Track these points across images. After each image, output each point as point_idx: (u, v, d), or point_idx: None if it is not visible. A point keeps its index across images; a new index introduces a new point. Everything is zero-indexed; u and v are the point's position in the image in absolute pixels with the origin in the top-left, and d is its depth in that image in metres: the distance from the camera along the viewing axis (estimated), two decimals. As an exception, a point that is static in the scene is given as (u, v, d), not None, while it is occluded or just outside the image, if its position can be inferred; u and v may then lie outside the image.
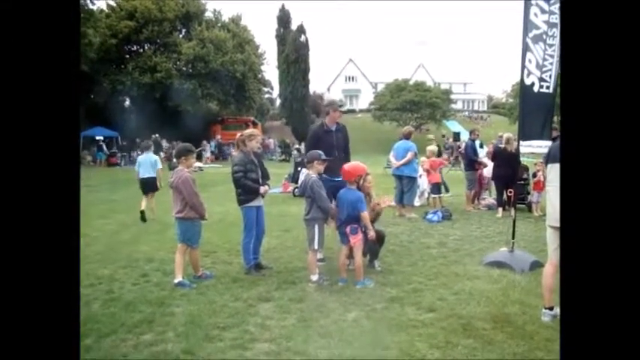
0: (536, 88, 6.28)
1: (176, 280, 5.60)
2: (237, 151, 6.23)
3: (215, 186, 16.97)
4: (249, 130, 6.42)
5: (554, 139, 5.90)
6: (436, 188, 11.20)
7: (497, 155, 10.97)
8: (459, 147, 25.80)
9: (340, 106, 6.95)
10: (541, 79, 6.25)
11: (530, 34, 6.18)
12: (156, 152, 12.61)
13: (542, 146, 6.06)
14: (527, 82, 6.30)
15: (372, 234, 5.69)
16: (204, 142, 36.41)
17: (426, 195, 12.06)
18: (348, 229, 5.59)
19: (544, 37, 6.18)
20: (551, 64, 6.25)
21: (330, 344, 3.99)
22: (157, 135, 28.43)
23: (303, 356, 3.80)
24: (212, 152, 37.17)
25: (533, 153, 10.44)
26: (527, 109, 6.44)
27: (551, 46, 6.21)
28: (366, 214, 5.59)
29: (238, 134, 6.29)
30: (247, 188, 5.99)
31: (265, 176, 6.29)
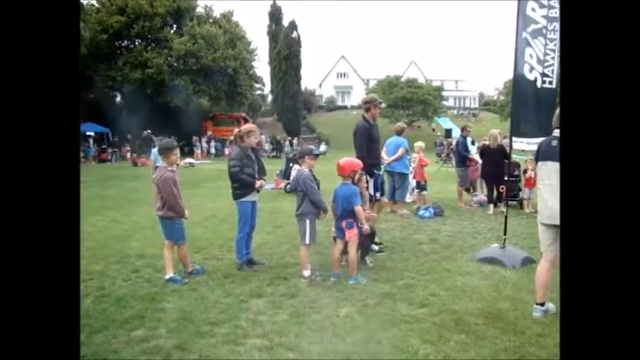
0: (539, 84, 6.20)
1: (167, 276, 5.58)
2: (234, 146, 6.23)
3: (207, 182, 16.93)
4: (248, 126, 6.42)
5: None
6: (423, 185, 11.22)
7: (483, 152, 11.05)
8: (450, 144, 25.89)
9: (380, 103, 7.19)
10: (543, 75, 6.18)
11: (529, 29, 6.12)
12: (148, 148, 12.91)
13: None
14: (531, 77, 6.23)
15: (366, 228, 5.70)
16: (195, 138, 36.44)
17: (416, 192, 12.06)
18: (343, 224, 5.61)
19: (544, 31, 6.11)
20: (553, 58, 6.19)
21: (323, 339, 3.99)
22: (149, 131, 28.25)
23: (295, 352, 3.80)
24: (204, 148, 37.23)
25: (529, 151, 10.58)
26: (529, 105, 6.33)
27: (552, 40, 6.14)
28: (360, 208, 5.59)
29: (236, 129, 6.29)
30: (243, 183, 5.99)
31: (262, 171, 6.30)
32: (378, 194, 7.02)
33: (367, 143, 6.89)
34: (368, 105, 7.09)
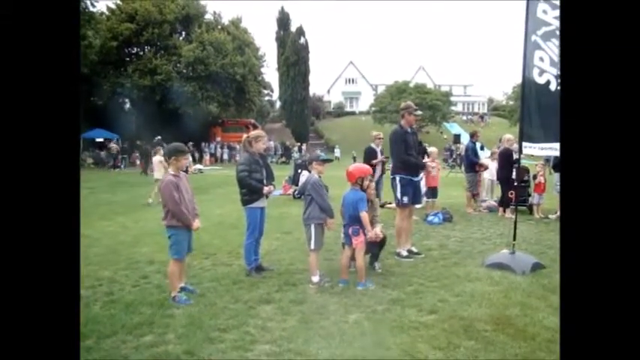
0: (552, 87, 6.05)
1: (173, 294, 5.13)
2: (242, 151, 6.23)
3: (215, 188, 16.98)
4: (256, 132, 6.42)
5: None
6: (434, 192, 11.13)
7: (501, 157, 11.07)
8: (458, 149, 25.87)
9: (416, 110, 7.15)
10: (558, 77, 5.96)
11: (540, 32, 6.03)
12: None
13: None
14: (541, 81, 6.10)
15: (370, 235, 5.68)
16: (204, 144, 36.66)
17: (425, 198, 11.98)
18: (350, 230, 5.60)
19: (557, 32, 5.92)
20: None
21: (331, 345, 3.97)
22: (160, 137, 28.41)
23: (304, 357, 3.79)
24: (212, 154, 37.42)
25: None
26: (539, 109, 6.17)
27: None
28: (365, 214, 5.58)
29: (244, 135, 6.30)
30: (251, 188, 5.99)
31: (270, 177, 6.29)
32: (405, 199, 6.93)
33: (398, 148, 6.86)
34: (403, 112, 7.05)
